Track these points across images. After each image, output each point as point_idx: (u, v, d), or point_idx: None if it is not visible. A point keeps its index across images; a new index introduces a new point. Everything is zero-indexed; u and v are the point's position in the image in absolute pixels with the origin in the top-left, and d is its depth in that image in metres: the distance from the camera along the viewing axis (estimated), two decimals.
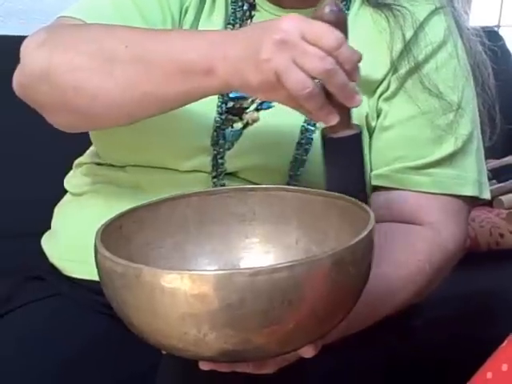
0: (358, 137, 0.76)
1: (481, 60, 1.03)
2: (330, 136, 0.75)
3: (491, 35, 1.89)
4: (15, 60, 1.38)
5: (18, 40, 1.50)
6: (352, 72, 0.71)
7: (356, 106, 0.73)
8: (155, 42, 0.80)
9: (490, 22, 2.29)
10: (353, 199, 0.72)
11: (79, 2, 0.95)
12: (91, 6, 0.95)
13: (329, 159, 0.77)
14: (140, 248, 0.74)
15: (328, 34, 0.70)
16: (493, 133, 1.03)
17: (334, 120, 0.72)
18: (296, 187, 0.83)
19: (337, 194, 0.74)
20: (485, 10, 2.26)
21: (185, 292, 0.57)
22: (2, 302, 0.97)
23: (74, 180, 1.04)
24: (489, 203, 1.55)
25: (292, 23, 0.70)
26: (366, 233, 0.62)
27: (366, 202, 0.73)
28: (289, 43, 0.69)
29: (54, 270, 0.98)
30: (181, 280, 0.57)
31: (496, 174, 1.61)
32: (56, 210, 1.05)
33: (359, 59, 0.72)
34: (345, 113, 0.74)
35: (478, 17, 2.19)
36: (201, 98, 0.79)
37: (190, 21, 0.97)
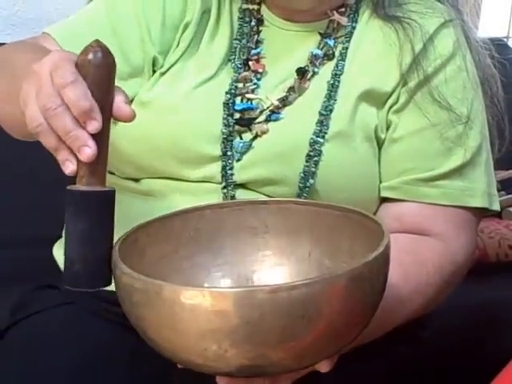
0: (106, 195, 0.70)
1: (490, 73, 1.04)
2: (72, 188, 0.69)
3: (500, 47, 1.93)
4: None
5: None
6: (81, 118, 0.67)
7: (87, 161, 0.67)
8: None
9: (499, 33, 2.31)
10: (364, 212, 0.73)
11: (63, 22, 1.01)
12: (68, 26, 1.00)
13: (69, 215, 0.69)
14: (155, 260, 0.76)
15: (59, 71, 0.68)
16: (502, 145, 1.04)
17: (68, 168, 0.68)
18: (307, 200, 0.85)
19: (349, 207, 0.76)
20: (494, 22, 2.28)
21: (205, 309, 0.58)
22: (15, 309, 0.98)
23: None
24: (498, 214, 1.57)
25: (50, 59, 0.70)
26: (382, 248, 0.64)
27: (109, 276, 0.68)
28: (37, 76, 0.69)
29: None
30: (202, 297, 0.58)
31: (505, 186, 1.63)
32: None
33: (88, 108, 0.66)
34: (94, 167, 0.68)
35: (488, 28, 2.21)
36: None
37: (190, 37, 0.99)
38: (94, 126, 0.67)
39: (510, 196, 1.62)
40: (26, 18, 1.72)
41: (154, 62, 0.99)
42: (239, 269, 0.81)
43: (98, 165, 0.68)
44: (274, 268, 0.80)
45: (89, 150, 0.67)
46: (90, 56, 0.67)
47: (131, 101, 0.96)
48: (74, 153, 0.67)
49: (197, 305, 0.58)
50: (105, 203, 0.69)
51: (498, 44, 1.89)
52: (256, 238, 0.82)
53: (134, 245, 0.74)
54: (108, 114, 0.69)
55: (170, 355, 0.65)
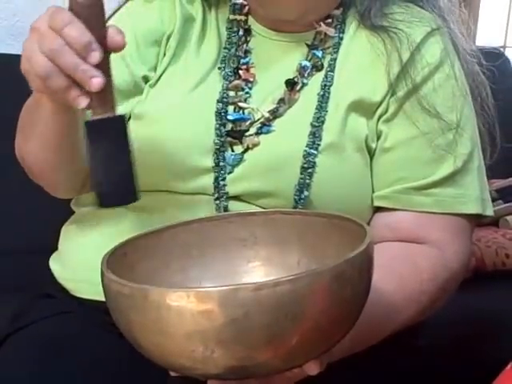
0: (118, 120, 0.78)
1: (479, 80, 1.07)
2: (88, 120, 0.78)
3: (497, 56, 1.96)
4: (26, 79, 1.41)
5: None
6: (83, 52, 0.75)
7: (97, 90, 0.76)
8: None
9: (495, 42, 2.35)
10: (348, 216, 0.77)
11: None
12: None
13: (90, 145, 0.78)
14: (144, 275, 0.79)
15: (56, 16, 0.76)
16: (494, 151, 1.07)
17: (82, 103, 0.77)
18: (294, 209, 0.88)
19: (334, 213, 0.79)
20: (491, 31, 2.31)
21: (191, 309, 0.62)
22: (14, 318, 1.00)
23: (80, 200, 1.08)
24: (495, 223, 1.59)
25: (45, 14, 0.78)
26: (364, 246, 0.67)
27: (135, 191, 0.79)
28: (36, 30, 0.77)
29: (62, 288, 1.03)
30: (187, 298, 0.62)
31: (502, 194, 1.65)
32: (63, 230, 1.10)
33: (88, 41, 0.75)
34: (103, 96, 0.77)
35: (484, 38, 2.24)
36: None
37: (174, 46, 1.03)
38: (96, 56, 0.75)
39: (507, 205, 1.63)
40: (26, 28, 1.75)
41: (147, 79, 1.03)
42: (230, 280, 0.84)
43: (107, 95, 0.77)
44: (265, 278, 0.83)
45: (98, 79, 0.75)
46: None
47: (128, 118, 1.00)
48: (83, 89, 0.76)
49: (182, 306, 0.62)
50: (119, 126, 0.78)
51: (494, 52, 1.93)
52: (245, 249, 0.85)
53: (122, 259, 0.77)
54: (105, 47, 0.77)
55: (160, 360, 0.68)
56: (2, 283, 1.31)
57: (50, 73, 0.76)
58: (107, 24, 0.78)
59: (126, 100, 1.01)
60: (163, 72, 1.02)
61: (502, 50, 2.30)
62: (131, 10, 1.07)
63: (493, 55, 1.97)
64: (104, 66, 0.76)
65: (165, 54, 1.03)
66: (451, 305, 0.99)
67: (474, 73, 1.07)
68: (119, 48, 0.78)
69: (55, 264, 1.07)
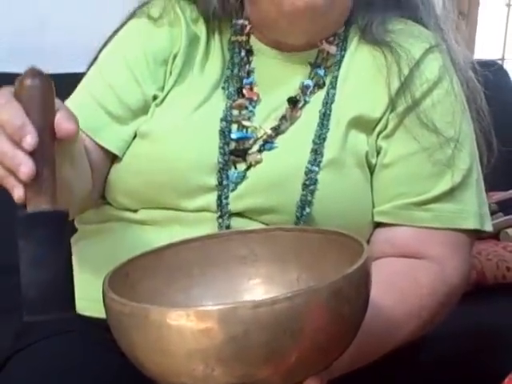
0: (54, 216, 0.69)
1: (473, 87, 1.08)
2: (20, 212, 0.69)
3: (495, 68, 1.97)
4: None
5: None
6: (15, 137, 0.68)
7: (26, 179, 0.68)
8: None
9: (494, 55, 2.36)
10: (349, 233, 0.78)
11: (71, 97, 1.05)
12: (74, 101, 1.03)
13: (19, 241, 0.69)
14: (146, 294, 0.80)
15: None
16: (491, 157, 1.08)
17: (16, 194, 0.69)
18: (294, 226, 0.89)
19: (333, 229, 0.80)
20: (489, 44, 2.33)
21: (191, 328, 0.63)
22: (17, 338, 1.01)
23: (83, 218, 1.08)
24: (495, 236, 1.60)
25: None
26: (361, 262, 0.69)
27: (68, 302, 0.68)
28: None
29: None
30: (187, 316, 0.63)
31: (502, 207, 1.67)
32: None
33: (20, 124, 0.68)
34: (39, 187, 0.69)
35: (483, 50, 2.26)
36: None
37: (180, 65, 1.04)
38: (29, 141, 0.68)
39: (507, 217, 1.65)
40: (26, 46, 1.77)
41: (155, 98, 1.04)
42: (231, 298, 0.85)
43: (44, 184, 0.69)
44: (265, 295, 0.84)
45: (25, 168, 0.68)
46: (24, 81, 0.71)
47: (134, 136, 1.02)
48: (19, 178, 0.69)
49: (183, 325, 0.63)
50: (53, 223, 0.69)
51: (493, 65, 1.95)
52: (246, 266, 0.86)
53: (124, 279, 0.78)
54: (50, 133, 0.71)
55: (161, 379, 0.69)
56: (3, 302, 1.30)
57: None
58: (59, 107, 0.72)
59: (135, 119, 1.02)
60: (169, 91, 1.04)
61: (500, 62, 2.32)
62: (140, 29, 1.08)
63: (491, 68, 1.99)
64: (44, 154, 0.69)
65: (171, 74, 1.04)
66: (452, 318, 1.00)
67: (468, 79, 1.08)
68: (68, 135, 0.71)
69: None
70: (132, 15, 1.10)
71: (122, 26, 1.10)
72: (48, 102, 0.71)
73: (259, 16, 1.04)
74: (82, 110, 0.97)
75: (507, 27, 2.35)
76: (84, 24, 1.80)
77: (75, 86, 1.07)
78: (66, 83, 1.08)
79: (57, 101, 0.73)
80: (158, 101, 1.03)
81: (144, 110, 1.03)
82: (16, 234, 0.69)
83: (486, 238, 1.56)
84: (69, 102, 1.02)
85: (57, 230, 0.69)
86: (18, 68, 1.70)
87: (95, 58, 1.10)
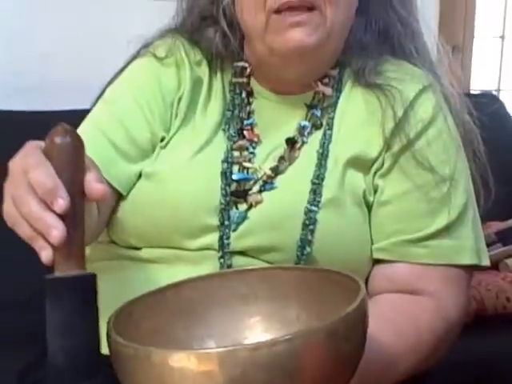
0: (83, 280, 0.69)
1: (469, 129, 1.10)
2: (49, 275, 0.68)
3: (491, 99, 2.00)
4: (32, 134, 1.44)
5: (35, 115, 1.59)
6: (47, 199, 0.67)
7: (57, 244, 0.67)
8: None
9: (489, 86, 2.39)
10: (346, 273, 0.79)
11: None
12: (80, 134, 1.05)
13: (48, 304, 0.68)
14: (150, 332, 0.81)
15: (26, 156, 0.70)
16: (488, 197, 1.09)
17: (44, 256, 0.68)
18: (293, 265, 0.91)
19: (331, 269, 0.82)
20: (484, 75, 2.36)
21: (192, 370, 0.64)
22: (22, 375, 1.02)
23: (88, 255, 1.09)
24: (495, 267, 1.61)
25: (21, 151, 0.73)
26: (356, 303, 0.70)
27: (96, 367, 0.68)
28: (10, 169, 0.72)
29: None
30: (188, 359, 0.64)
31: (501, 237, 1.68)
32: None
33: (52, 187, 0.67)
34: (68, 250, 0.68)
35: (478, 81, 2.29)
36: None
37: (184, 108, 1.06)
38: (60, 204, 0.67)
39: (506, 248, 1.66)
40: (29, 83, 1.80)
41: (162, 140, 1.06)
42: (232, 336, 0.86)
43: (73, 248, 0.68)
44: (265, 333, 0.86)
45: (56, 232, 0.67)
46: (55, 139, 0.70)
47: (139, 175, 1.03)
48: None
49: (184, 367, 0.64)
50: (83, 289, 0.68)
51: (488, 96, 1.97)
52: (246, 305, 0.87)
53: (128, 318, 0.80)
54: (80, 194, 0.69)
55: None
56: (14, 336, 1.33)
57: (14, 220, 0.69)
58: (89, 167, 0.71)
59: (142, 159, 1.04)
60: (174, 134, 1.05)
61: (496, 93, 2.35)
62: (149, 68, 1.09)
63: (487, 98, 2.02)
64: (74, 216, 0.68)
65: (177, 116, 1.06)
66: (452, 349, 1.01)
67: (464, 121, 1.09)
68: (98, 198, 0.71)
69: None
70: (136, 55, 1.12)
71: (127, 64, 1.12)
72: (78, 161, 0.70)
73: (254, 55, 1.07)
74: (90, 144, 0.99)
75: (502, 58, 2.38)
76: (86, 61, 1.83)
77: (77, 123, 1.06)
78: (68, 120, 1.10)
79: (85, 159, 0.72)
80: (163, 143, 1.05)
81: (151, 150, 1.05)
82: (46, 298, 0.67)
83: (486, 268, 1.57)
84: None
85: (85, 295, 0.68)
86: (21, 105, 1.74)
87: (100, 95, 1.11)
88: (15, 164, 0.72)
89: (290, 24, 0.97)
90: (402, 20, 1.08)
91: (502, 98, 2.16)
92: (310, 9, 0.98)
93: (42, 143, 0.72)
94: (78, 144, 0.71)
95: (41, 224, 0.67)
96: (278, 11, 0.98)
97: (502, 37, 2.39)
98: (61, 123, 0.71)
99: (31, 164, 0.69)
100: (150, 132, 1.04)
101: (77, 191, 0.69)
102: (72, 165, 0.69)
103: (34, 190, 0.68)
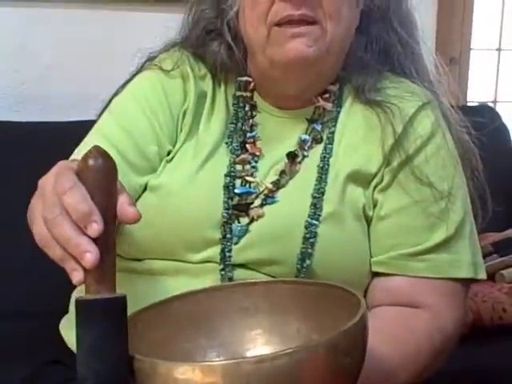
0: (114, 302, 0.68)
1: (468, 148, 1.12)
2: (80, 297, 0.68)
3: (488, 111, 2.01)
4: (35, 145, 1.43)
5: (38, 126, 1.59)
6: (80, 223, 0.67)
7: (90, 267, 0.67)
8: None
9: (486, 98, 2.40)
10: (346, 287, 0.80)
11: (81, 143, 1.06)
12: (88, 145, 1.04)
13: (79, 326, 0.68)
14: (154, 345, 0.82)
15: (60, 178, 0.70)
16: (485, 216, 1.11)
17: (75, 277, 0.68)
18: (294, 279, 0.93)
19: (331, 283, 0.83)
20: (481, 87, 2.37)
21: (196, 382, 0.66)
22: (29, 381, 1.03)
23: None
24: (491, 278, 1.61)
25: (53, 170, 0.73)
26: (357, 318, 0.71)
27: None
28: (42, 190, 0.72)
29: (73, 354, 1.05)
30: (192, 371, 0.66)
31: (498, 248, 1.69)
32: (73, 295, 1.12)
33: (87, 211, 0.67)
34: (100, 273, 0.68)
35: (475, 93, 2.30)
36: None
37: (189, 122, 1.07)
38: (95, 229, 0.67)
39: (502, 259, 1.66)
40: (33, 95, 1.81)
41: (168, 154, 1.07)
42: (234, 348, 0.87)
43: (105, 270, 0.68)
44: (266, 346, 0.87)
45: (90, 256, 0.67)
46: (88, 162, 0.70)
47: (144, 188, 1.04)
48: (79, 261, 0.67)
49: (188, 379, 0.66)
50: (114, 311, 0.68)
51: (485, 107, 1.98)
52: (248, 317, 0.89)
53: (133, 330, 0.80)
54: (112, 217, 0.69)
55: None
56: (15, 347, 1.33)
57: (45, 242, 0.69)
58: (120, 191, 0.71)
59: (149, 172, 1.05)
60: (180, 148, 1.06)
61: (492, 105, 2.37)
62: (156, 80, 1.09)
63: (484, 110, 2.03)
64: (107, 239, 0.68)
65: (182, 130, 1.07)
66: (450, 360, 1.02)
67: (463, 141, 1.11)
68: (130, 222, 0.70)
69: (65, 329, 1.10)
70: (141, 67, 1.13)
71: (132, 77, 1.13)
72: (111, 184, 0.70)
73: (257, 70, 1.08)
74: None
75: (498, 71, 2.40)
76: (87, 73, 1.84)
77: (80, 134, 1.08)
78: (70, 131, 1.11)
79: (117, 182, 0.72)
80: (169, 157, 1.06)
81: (158, 163, 1.05)
82: (76, 319, 0.67)
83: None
84: (82, 145, 1.05)
85: (116, 318, 0.68)
86: (23, 117, 1.75)
87: (105, 107, 1.12)
88: (47, 184, 0.71)
89: (290, 35, 0.99)
90: (402, 41, 1.10)
91: (498, 109, 2.18)
92: (311, 23, 0.99)
93: (73, 164, 0.72)
94: (111, 167, 0.70)
95: (74, 248, 0.67)
96: (278, 24, 1.00)
97: (499, 49, 2.40)
98: (95, 146, 0.71)
99: (65, 186, 0.68)
100: (158, 145, 1.05)
101: (109, 214, 0.69)
102: (105, 188, 0.69)
103: (67, 212, 0.68)
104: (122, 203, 0.70)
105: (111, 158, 0.71)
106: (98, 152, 0.70)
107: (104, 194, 0.69)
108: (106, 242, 0.68)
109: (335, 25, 1.00)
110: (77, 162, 0.73)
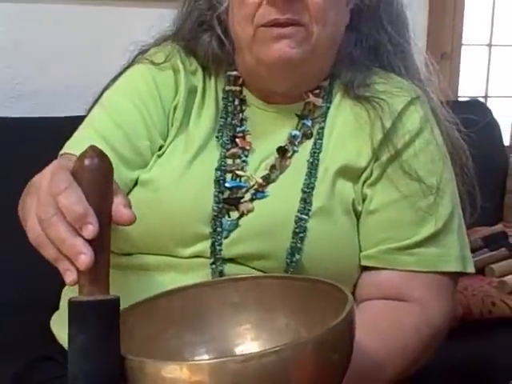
0: (107, 304, 0.68)
1: (458, 144, 1.12)
2: (73, 298, 0.67)
3: (479, 105, 2.01)
4: (27, 141, 1.42)
5: (30, 122, 1.59)
6: (75, 224, 0.66)
7: (84, 269, 0.66)
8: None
9: (477, 93, 2.40)
10: (334, 283, 0.80)
11: (71, 138, 1.06)
12: (84, 141, 1.02)
13: (70, 327, 0.67)
14: (143, 341, 0.82)
15: (55, 178, 0.68)
16: (474, 211, 1.11)
17: (68, 278, 0.67)
18: (283, 275, 0.92)
19: (319, 278, 0.83)
20: (472, 82, 2.38)
21: (184, 380, 0.65)
22: (16, 381, 1.03)
23: None
24: (481, 272, 1.62)
25: (49, 169, 0.72)
26: (344, 314, 0.71)
27: None
28: (37, 189, 0.71)
29: (64, 350, 1.03)
30: (180, 370, 0.65)
31: (487, 243, 1.70)
32: (64, 290, 1.12)
33: (82, 212, 0.66)
34: (94, 274, 0.67)
35: (466, 88, 2.31)
36: None
37: (180, 117, 1.07)
38: (90, 230, 0.66)
39: (492, 253, 1.67)
40: (24, 91, 1.80)
41: (160, 149, 1.06)
42: (223, 343, 0.87)
43: (99, 272, 0.67)
44: (255, 341, 0.87)
45: (84, 257, 0.66)
46: (85, 162, 0.68)
47: (135, 182, 1.03)
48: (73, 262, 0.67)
49: (176, 378, 0.65)
50: (107, 313, 0.68)
51: (476, 102, 1.98)
52: (237, 313, 0.88)
53: (123, 326, 0.80)
54: (107, 219, 0.68)
55: None
56: (6, 343, 1.32)
57: (39, 241, 0.68)
58: (116, 192, 0.70)
59: (142, 167, 1.04)
60: (170, 142, 1.06)
61: (483, 99, 2.37)
62: (148, 74, 1.09)
63: (475, 105, 2.03)
64: (101, 240, 0.67)
65: (172, 125, 1.07)
66: (439, 353, 1.02)
67: (453, 138, 1.11)
68: (125, 223, 0.70)
69: (56, 325, 1.10)
70: (133, 61, 1.13)
71: (123, 70, 1.13)
72: (107, 185, 0.69)
73: (244, 65, 1.08)
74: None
75: (489, 66, 2.41)
76: (80, 69, 1.83)
77: (72, 130, 1.07)
78: (62, 127, 1.10)
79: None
80: (160, 152, 1.05)
81: (150, 158, 1.05)
82: (68, 320, 0.67)
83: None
84: (73, 139, 1.05)
85: (109, 320, 0.68)
86: (17, 112, 1.74)
87: (96, 100, 1.11)
88: (42, 184, 0.70)
89: (276, 35, 0.99)
90: (392, 40, 1.10)
91: (489, 104, 2.18)
92: (297, 25, 0.99)
93: (69, 163, 0.71)
94: (107, 167, 0.69)
95: (69, 248, 0.66)
96: (265, 25, 1.00)
97: (490, 45, 2.41)
98: (92, 145, 0.70)
99: (60, 187, 0.67)
100: (150, 140, 1.05)
101: (104, 215, 0.68)
102: (101, 189, 0.68)
103: (62, 213, 0.67)
104: (118, 204, 0.70)
105: (107, 157, 0.70)
106: (95, 152, 0.69)
107: (100, 195, 0.68)
108: (101, 244, 0.67)
109: (321, 28, 1.00)
110: (72, 161, 0.71)
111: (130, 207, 0.70)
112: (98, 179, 0.68)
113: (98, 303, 0.67)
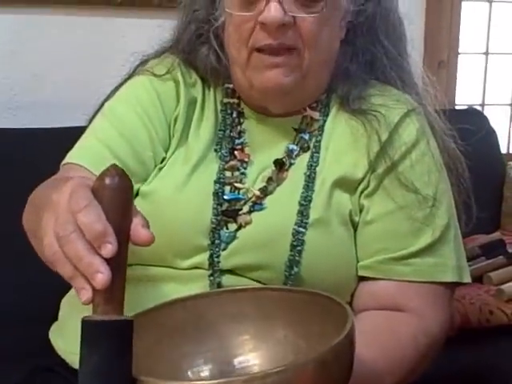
0: (122, 325, 0.66)
1: (455, 156, 1.12)
2: (87, 318, 0.66)
3: (475, 113, 2.01)
4: (26, 152, 1.41)
5: (28, 132, 1.58)
6: (94, 243, 0.65)
7: (101, 288, 0.65)
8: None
9: (474, 101, 2.40)
10: (331, 296, 0.80)
11: (74, 147, 1.06)
12: (88, 151, 1.05)
13: (83, 347, 0.66)
14: (142, 352, 0.80)
15: (75, 196, 0.68)
16: (469, 221, 1.11)
17: (84, 296, 0.66)
18: (281, 286, 0.92)
19: (318, 292, 0.83)
20: (469, 90, 2.38)
21: None
22: None
23: None
24: (479, 280, 1.62)
25: (69, 186, 0.70)
26: (345, 333, 0.71)
27: None
28: (56, 205, 0.70)
29: (63, 361, 1.05)
30: None
31: (485, 251, 1.69)
32: (63, 302, 1.12)
33: (101, 231, 0.65)
34: (109, 294, 0.66)
35: (463, 96, 2.31)
36: None
37: (180, 129, 1.07)
38: (109, 249, 0.65)
39: (490, 261, 1.66)
40: (23, 101, 1.80)
41: (162, 161, 1.06)
42: (221, 354, 0.88)
43: (114, 291, 0.66)
44: (254, 352, 0.87)
45: (102, 276, 0.65)
46: (105, 180, 0.67)
47: (136, 193, 1.03)
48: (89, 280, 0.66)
49: None
50: (120, 333, 0.66)
51: (473, 110, 1.98)
52: (236, 324, 0.89)
53: None
54: (125, 238, 0.67)
55: None
56: (6, 353, 1.31)
57: (56, 257, 0.67)
58: (135, 212, 0.69)
59: (145, 178, 1.04)
60: (172, 154, 1.06)
61: (480, 107, 2.37)
62: (151, 88, 1.09)
63: (472, 113, 2.03)
64: (119, 260, 0.66)
65: (173, 136, 1.07)
66: (437, 362, 1.02)
67: (449, 149, 1.11)
68: (141, 243, 0.68)
69: (55, 336, 1.10)
70: (133, 72, 1.13)
71: (124, 81, 1.13)
72: (127, 204, 0.68)
73: (238, 82, 1.08)
74: (95, 159, 1.00)
75: (486, 74, 2.41)
76: (78, 80, 1.83)
77: (71, 141, 1.07)
78: (61, 138, 1.10)
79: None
80: (162, 164, 1.06)
81: (152, 170, 1.05)
82: (81, 339, 0.65)
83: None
84: (76, 149, 1.05)
85: (122, 341, 0.66)
86: (15, 124, 1.74)
87: (97, 111, 1.11)
88: (61, 201, 0.69)
89: (269, 64, 1.00)
90: (389, 54, 1.10)
91: (486, 112, 2.18)
92: (290, 49, 1.00)
93: (89, 181, 0.71)
94: (128, 186, 0.69)
95: (86, 267, 0.65)
96: (259, 50, 1.00)
97: (486, 53, 2.41)
98: (113, 164, 0.69)
99: (80, 205, 0.66)
100: (153, 151, 1.05)
101: (123, 235, 0.67)
102: (121, 208, 0.67)
103: (81, 231, 0.66)
104: (136, 224, 0.69)
105: (128, 177, 0.69)
106: (116, 170, 0.68)
107: (119, 214, 0.67)
108: (118, 263, 0.66)
109: (313, 51, 1.01)
110: (91, 179, 0.71)
111: (149, 227, 0.69)
112: (118, 198, 0.67)
113: (112, 324, 0.66)
